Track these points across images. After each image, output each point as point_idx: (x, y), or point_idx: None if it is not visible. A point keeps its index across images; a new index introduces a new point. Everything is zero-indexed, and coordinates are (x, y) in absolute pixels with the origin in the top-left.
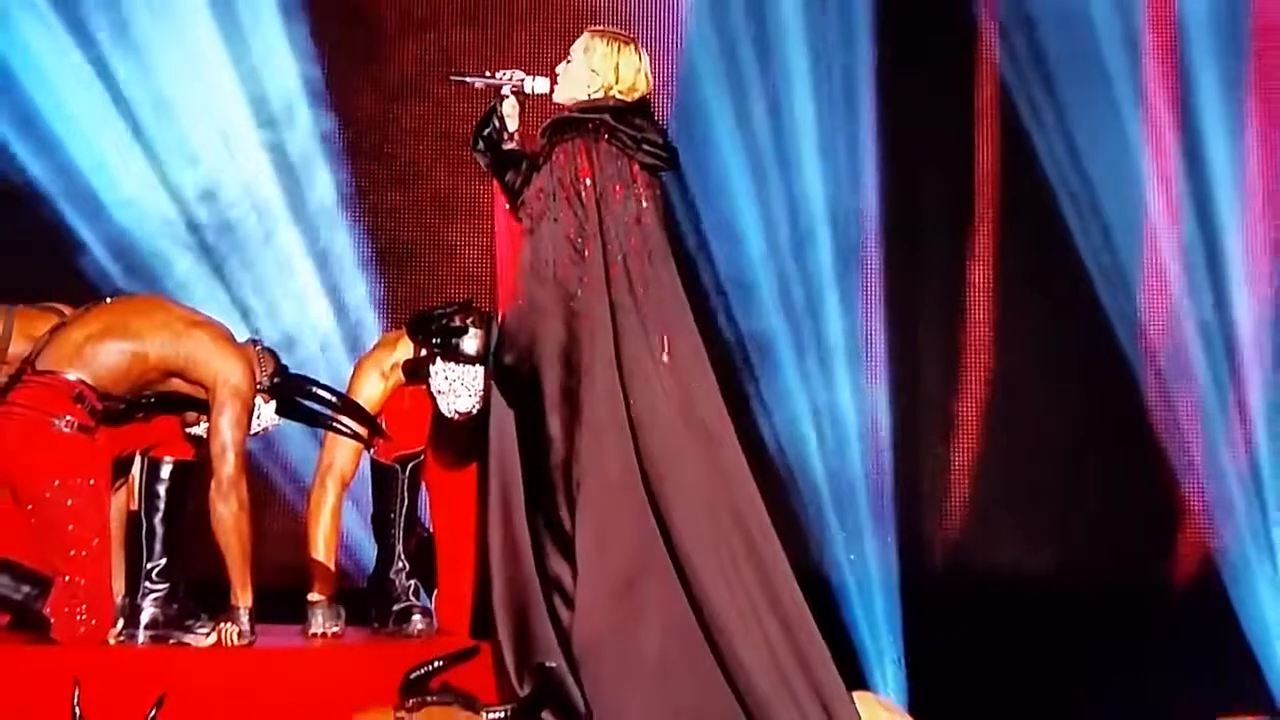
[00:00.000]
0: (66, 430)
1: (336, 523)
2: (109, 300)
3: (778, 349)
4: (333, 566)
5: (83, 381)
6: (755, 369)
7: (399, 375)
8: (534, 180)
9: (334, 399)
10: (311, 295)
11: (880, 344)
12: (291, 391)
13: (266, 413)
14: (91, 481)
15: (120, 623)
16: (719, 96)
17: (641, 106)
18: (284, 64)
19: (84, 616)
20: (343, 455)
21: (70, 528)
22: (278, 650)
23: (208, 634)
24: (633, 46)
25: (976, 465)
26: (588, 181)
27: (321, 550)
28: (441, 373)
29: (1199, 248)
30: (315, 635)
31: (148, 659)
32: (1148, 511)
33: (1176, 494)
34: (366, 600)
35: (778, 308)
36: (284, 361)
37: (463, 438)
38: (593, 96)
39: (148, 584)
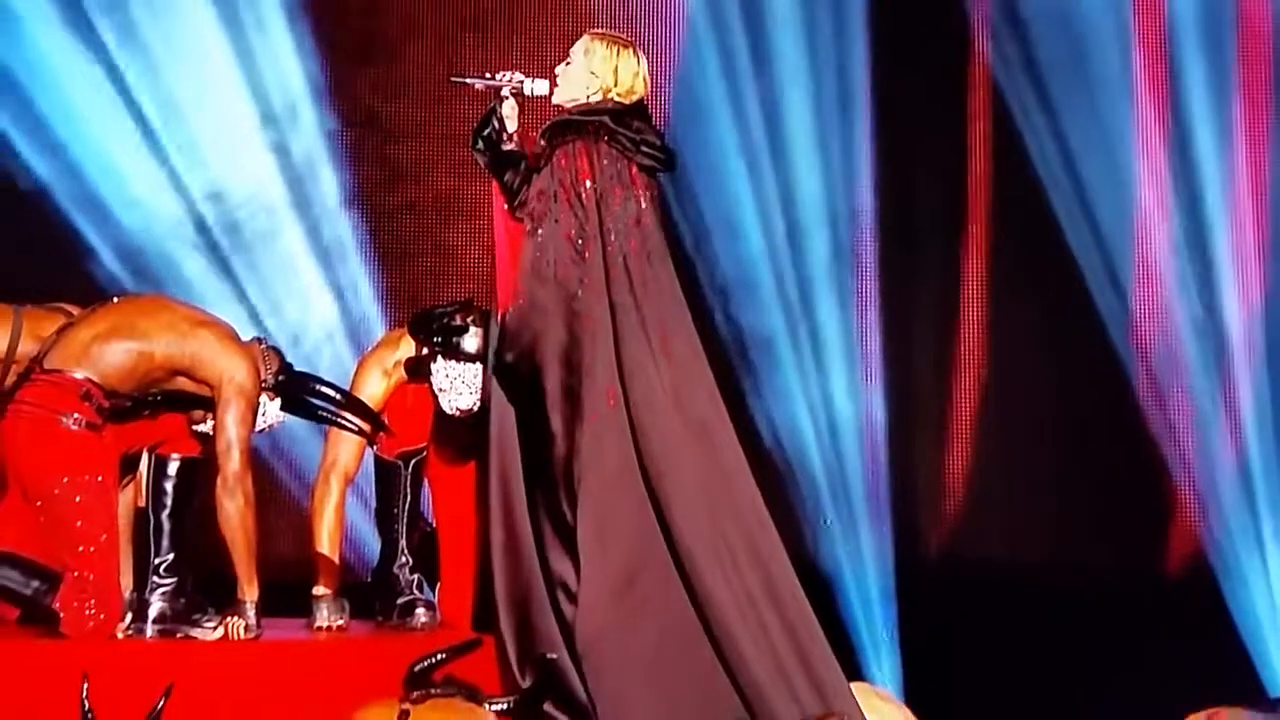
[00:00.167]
0: (74, 428)
1: (340, 518)
2: (115, 300)
3: (774, 347)
4: (337, 561)
5: (90, 380)
6: (752, 366)
7: (401, 373)
8: (534, 182)
9: (338, 396)
10: (316, 294)
11: (875, 341)
12: (296, 389)
13: (271, 410)
14: (99, 478)
15: (128, 617)
16: (716, 97)
17: (639, 109)
18: (288, 64)
19: (92, 611)
20: (346, 451)
21: (78, 524)
22: (283, 643)
23: (214, 628)
24: (631, 49)
25: (971, 460)
26: (588, 183)
27: (326, 545)
28: (443, 370)
29: (1189, 247)
30: (320, 628)
31: (155, 652)
32: (1140, 506)
33: (1168, 489)
34: (371, 594)
35: (774, 306)
36: (288, 359)
37: (464, 434)
38: (591, 99)
39: (155, 579)
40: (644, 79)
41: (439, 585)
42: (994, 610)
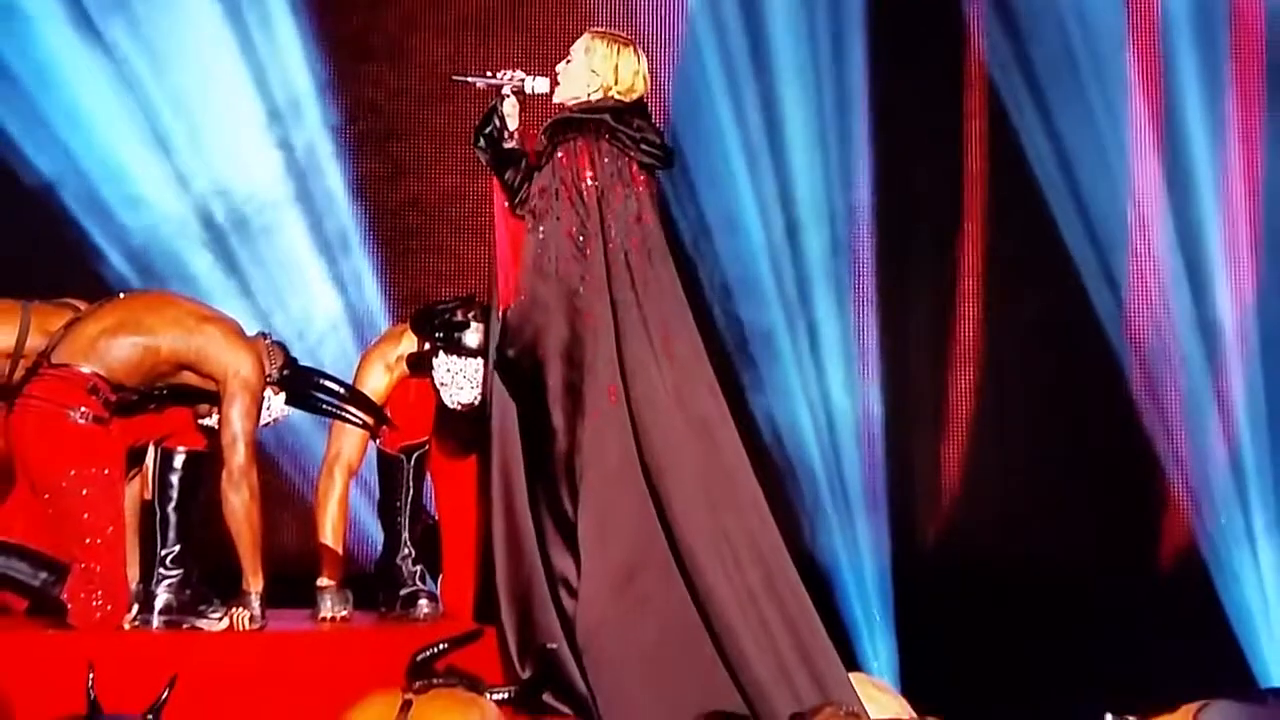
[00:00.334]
0: (81, 421)
1: (344, 510)
2: (122, 296)
3: (773, 342)
4: (340, 553)
5: (97, 374)
6: (751, 362)
7: (403, 368)
8: (536, 179)
9: (341, 390)
10: (319, 288)
11: (873, 337)
12: (300, 383)
13: (276, 404)
14: (106, 471)
15: (135, 608)
16: (715, 95)
17: (639, 107)
18: (292, 61)
19: (99, 602)
20: (349, 445)
21: (86, 516)
22: (288, 634)
23: (220, 619)
24: (632, 48)
25: (966, 454)
26: (589, 181)
27: (329, 537)
28: (444, 366)
29: (1183, 243)
30: (324, 619)
31: (161, 643)
32: (1133, 499)
33: (1161, 482)
34: (374, 585)
35: (773, 302)
36: (292, 354)
37: (465, 428)
38: (592, 97)
39: (161, 570)
40: (644, 77)
41: (441, 577)
42: (989, 601)
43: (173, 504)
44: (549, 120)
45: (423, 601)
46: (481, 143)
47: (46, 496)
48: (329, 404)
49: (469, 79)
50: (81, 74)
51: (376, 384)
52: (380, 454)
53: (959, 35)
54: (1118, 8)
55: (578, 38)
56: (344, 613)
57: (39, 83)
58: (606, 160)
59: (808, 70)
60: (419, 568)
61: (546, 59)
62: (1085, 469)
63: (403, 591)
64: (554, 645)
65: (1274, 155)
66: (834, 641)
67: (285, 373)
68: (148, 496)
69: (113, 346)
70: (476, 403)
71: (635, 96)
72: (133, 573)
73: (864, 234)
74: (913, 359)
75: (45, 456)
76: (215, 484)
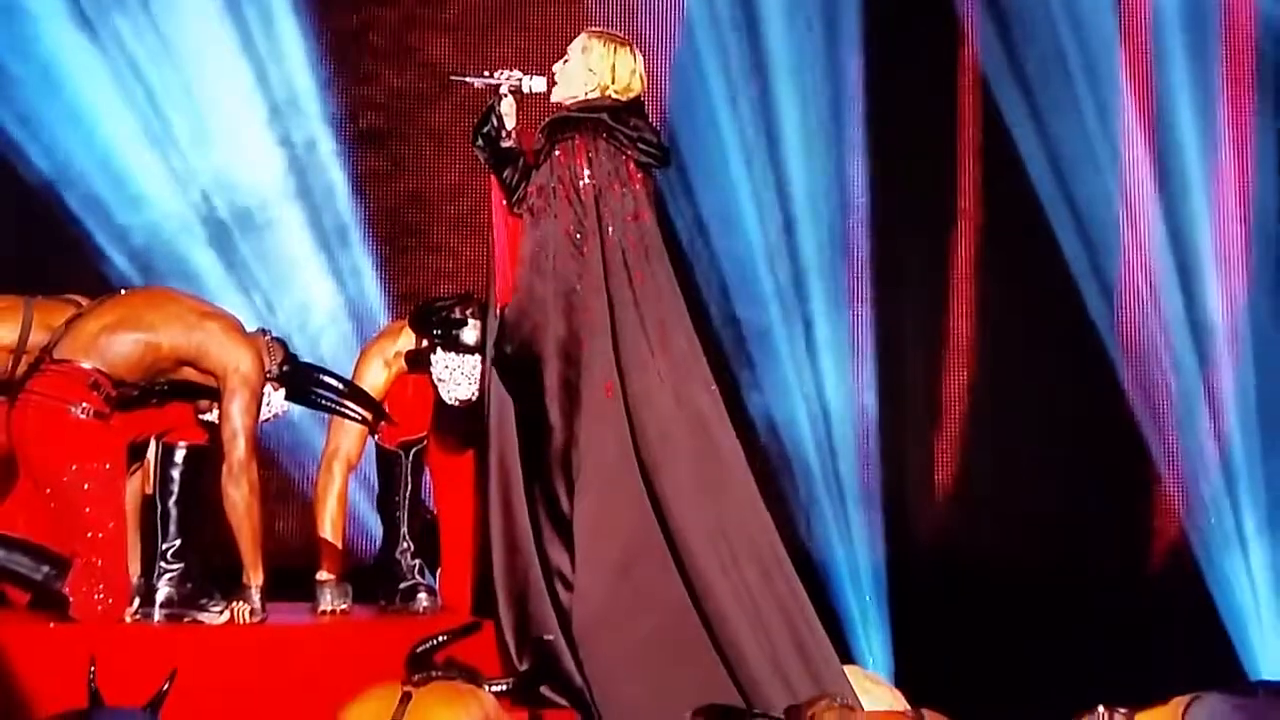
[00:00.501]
0: (83, 417)
1: (343, 505)
2: (123, 292)
3: (769, 337)
4: (340, 546)
5: (98, 370)
6: (747, 359)
7: (402, 364)
8: (534, 177)
9: (341, 386)
10: (319, 284)
11: (867, 334)
12: (300, 379)
13: (276, 400)
14: (107, 466)
15: (136, 601)
16: (711, 94)
17: (636, 106)
18: (293, 57)
19: (101, 596)
20: (348, 440)
21: (87, 510)
22: (288, 627)
23: (220, 612)
24: (628, 47)
25: (960, 450)
26: (586, 179)
27: (329, 531)
28: (442, 362)
29: (1174, 243)
30: (324, 612)
31: (163, 636)
32: (1125, 497)
33: (1153, 480)
34: (373, 579)
35: (769, 300)
36: (292, 350)
37: (463, 424)
38: (589, 96)
39: (162, 564)
40: (641, 76)
41: (439, 570)
42: (982, 596)
43: (173, 498)
44: (547, 119)
45: (421, 595)
46: (480, 141)
47: (48, 491)
48: (328, 399)
49: (467, 79)
50: (83, 72)
51: (375, 380)
52: (379, 449)
53: (953, 36)
54: (1109, 9)
55: (574, 37)
56: (343, 606)
57: (40, 81)
58: (604, 159)
59: (803, 70)
60: (418, 561)
61: (545, 58)
62: (1077, 465)
63: (402, 585)
64: (551, 638)
65: (1265, 156)
66: (829, 635)
67: (285, 368)
68: (149, 491)
69: (114, 342)
70: (474, 399)
71: (632, 95)
72: (134, 567)
73: (859, 233)
74: (908, 356)
75: (47, 451)
76: (216, 479)
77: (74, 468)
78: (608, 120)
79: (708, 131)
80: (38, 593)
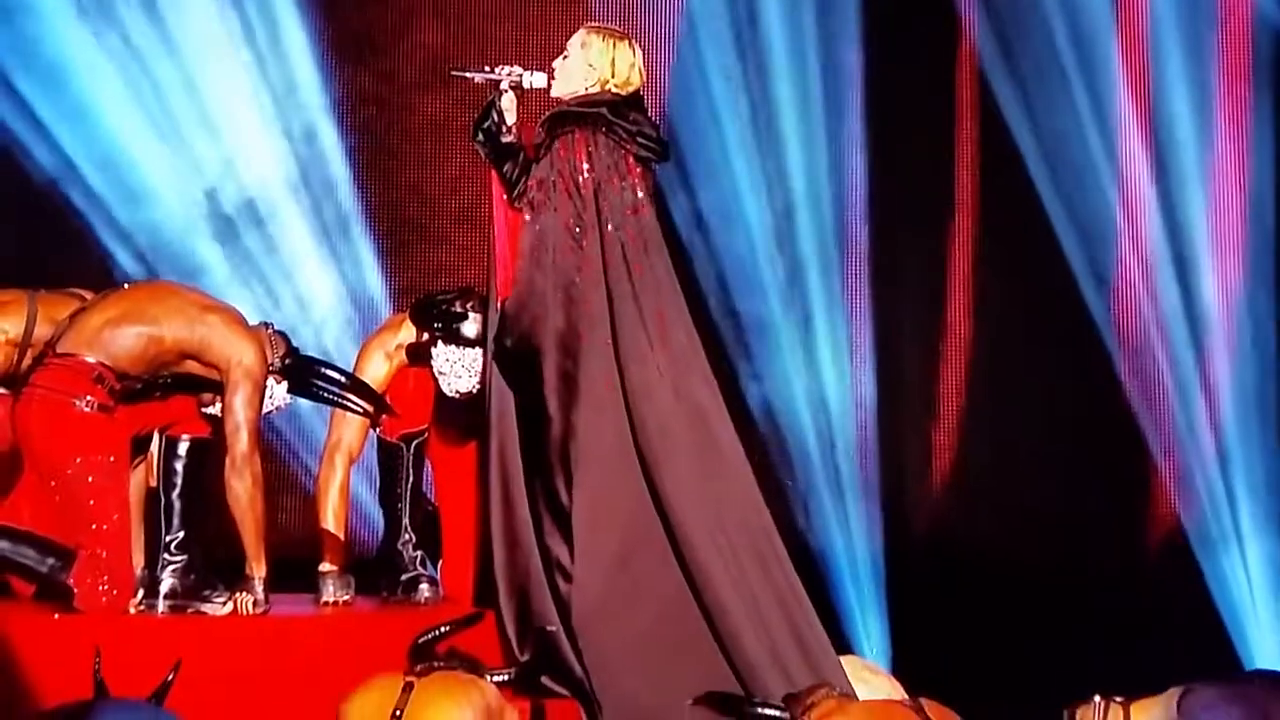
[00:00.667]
0: (87, 410)
1: (345, 497)
2: (126, 286)
3: (768, 330)
4: (342, 538)
5: (102, 364)
6: (746, 351)
7: (403, 356)
8: (534, 172)
9: (342, 379)
10: (321, 277)
11: (866, 326)
12: (302, 372)
13: (278, 393)
14: (111, 459)
15: (140, 593)
16: (711, 88)
17: (635, 100)
18: (295, 51)
19: (106, 587)
20: (350, 433)
21: (92, 503)
22: (291, 618)
23: (224, 603)
24: (627, 42)
25: (957, 440)
26: (586, 173)
27: (331, 523)
28: (443, 355)
29: (1171, 236)
30: (326, 604)
31: (167, 627)
32: (1121, 488)
33: (1149, 472)
34: (375, 570)
35: (767, 291)
36: (294, 343)
37: (464, 416)
38: (589, 91)
39: (166, 556)
40: (640, 71)
41: (441, 562)
42: (979, 586)
43: (177, 491)
44: (547, 114)
45: (423, 586)
46: (480, 136)
47: (53, 484)
48: (330, 392)
49: (467, 74)
50: (86, 67)
51: (377, 372)
52: (380, 441)
53: (951, 31)
54: (1106, 3)
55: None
56: (346, 597)
57: (44, 76)
58: (603, 153)
59: (801, 64)
60: (419, 553)
61: (545, 53)
62: (1074, 456)
63: (404, 576)
64: (552, 628)
65: (1261, 149)
66: (826, 625)
67: (287, 361)
68: (153, 483)
69: (117, 336)
70: (475, 391)
71: (631, 90)
72: (138, 558)
73: (858, 226)
74: (906, 349)
75: (52, 445)
76: (219, 471)
77: (78, 460)
78: (607, 115)
79: (707, 125)
80: (43, 584)
